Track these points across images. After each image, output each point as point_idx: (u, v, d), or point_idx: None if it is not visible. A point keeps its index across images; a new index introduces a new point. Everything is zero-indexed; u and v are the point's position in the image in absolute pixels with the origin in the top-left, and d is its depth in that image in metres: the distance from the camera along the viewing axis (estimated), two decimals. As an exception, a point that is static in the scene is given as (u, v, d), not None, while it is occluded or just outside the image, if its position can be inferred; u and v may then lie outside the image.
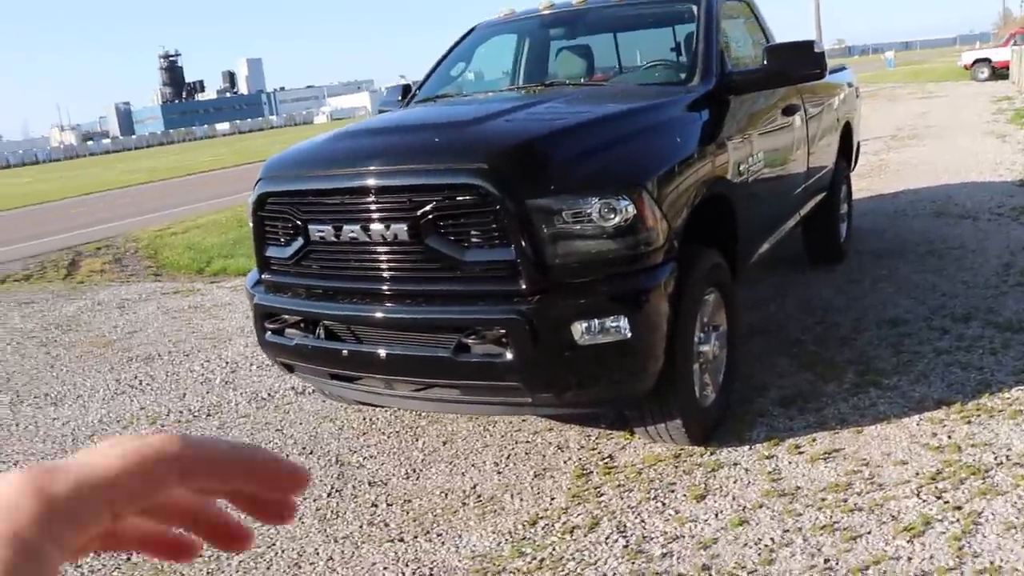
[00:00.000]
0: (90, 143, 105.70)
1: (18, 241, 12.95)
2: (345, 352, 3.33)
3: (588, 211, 2.97)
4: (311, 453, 4.05)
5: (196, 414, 4.77)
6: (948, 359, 4.35)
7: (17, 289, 8.92)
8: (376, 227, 3.13)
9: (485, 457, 3.79)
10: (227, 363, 5.64)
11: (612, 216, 2.98)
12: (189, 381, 5.38)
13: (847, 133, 6.52)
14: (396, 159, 3.16)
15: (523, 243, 2.94)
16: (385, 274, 3.21)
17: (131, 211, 16.11)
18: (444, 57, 5.05)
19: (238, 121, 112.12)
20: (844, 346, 4.71)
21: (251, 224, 3.64)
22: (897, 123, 16.77)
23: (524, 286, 2.98)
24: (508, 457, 3.76)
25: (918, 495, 3.08)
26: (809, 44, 4.06)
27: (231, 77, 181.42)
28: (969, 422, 3.63)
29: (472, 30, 5.20)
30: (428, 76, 4.96)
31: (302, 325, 3.52)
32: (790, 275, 6.33)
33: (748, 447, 3.61)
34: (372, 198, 3.14)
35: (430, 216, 3.03)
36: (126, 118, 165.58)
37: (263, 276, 3.69)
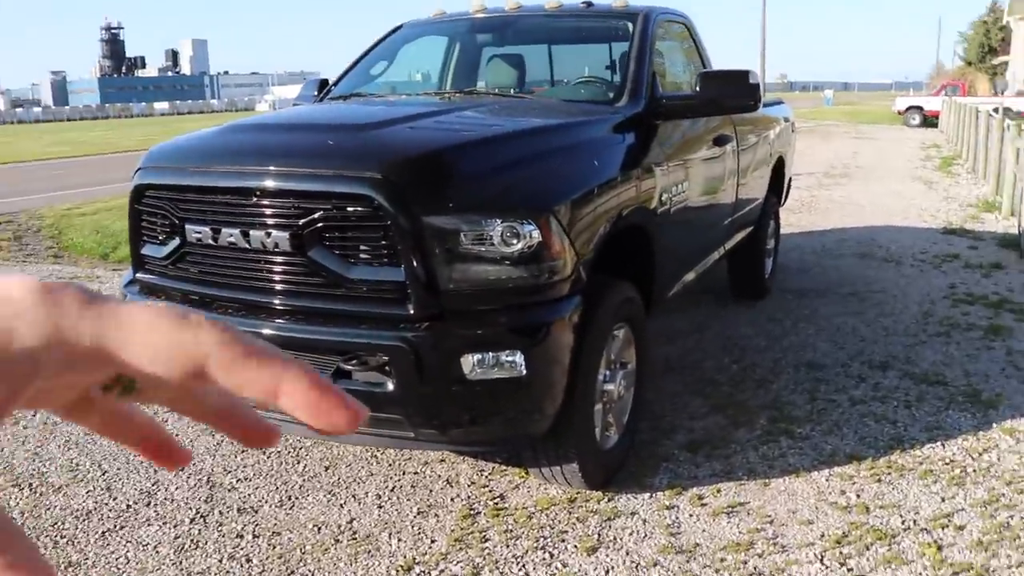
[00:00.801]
0: (19, 110, 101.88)
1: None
2: (216, 367, 3.00)
3: (489, 234, 2.71)
4: (182, 470, 3.70)
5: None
6: (863, 409, 4.22)
7: (-102, 262, 8.29)
8: (256, 233, 2.82)
9: (368, 487, 3.49)
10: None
11: (515, 241, 2.72)
12: (65, 378, 4.95)
13: (779, 168, 6.41)
14: (282, 160, 2.85)
15: (415, 264, 2.66)
16: (264, 285, 2.90)
17: (48, 185, 15.34)
18: (365, 54, 4.75)
19: (178, 102, 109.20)
20: (759, 388, 4.55)
21: (128, 217, 3.30)
22: (830, 161, 16.99)
23: (412, 311, 2.70)
24: (392, 489, 3.47)
25: (821, 560, 2.89)
26: (744, 74, 3.88)
27: (174, 56, 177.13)
28: (879, 480, 3.48)
29: (398, 28, 4.91)
30: (346, 72, 4.65)
31: (174, 333, 3.17)
32: (712, 308, 6.19)
33: (649, 495, 3.39)
34: (254, 201, 2.83)
35: (315, 226, 2.74)
36: (60, 88, 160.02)
37: (137, 275, 3.35)
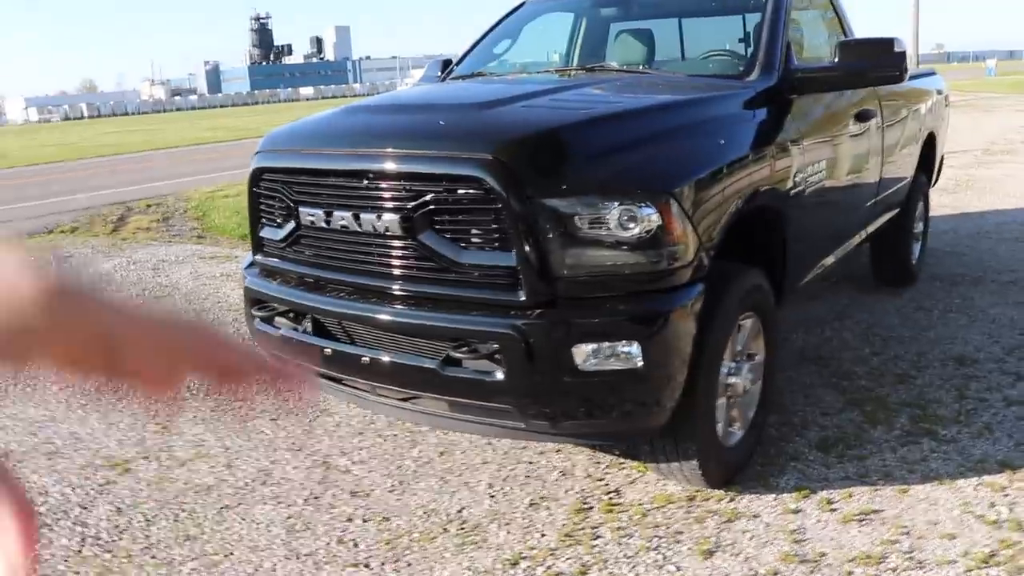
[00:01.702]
0: (177, 98, 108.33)
1: (83, 191, 13.06)
2: (328, 351, 3.00)
3: (605, 217, 2.57)
4: (299, 450, 3.75)
5: (194, 393, 4.51)
6: (1020, 411, 3.83)
7: (60, 241, 8.89)
8: (367, 216, 2.78)
9: (481, 476, 3.44)
10: (242, 339, 5.38)
11: (632, 225, 2.57)
12: (200, 354, 5.14)
13: (930, 145, 5.94)
14: (393, 141, 2.80)
15: (527, 248, 2.56)
16: (375, 269, 2.87)
17: (200, 168, 16.16)
18: (487, 32, 4.67)
19: (322, 87, 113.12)
20: (901, 384, 4.21)
21: (248, 200, 3.34)
22: (991, 136, 15.76)
23: (524, 298, 2.60)
24: (505, 479, 3.40)
25: (965, 581, 2.62)
26: (889, 41, 3.56)
27: (318, 43, 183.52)
28: (1037, 493, 3.14)
29: (521, 5, 4.80)
30: (468, 51, 4.59)
31: (290, 315, 3.21)
32: (854, 295, 5.81)
33: (774, 496, 3.18)
34: (364, 183, 2.79)
35: (425, 209, 2.67)
36: (214, 77, 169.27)
37: (256, 258, 3.40)
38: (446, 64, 4.75)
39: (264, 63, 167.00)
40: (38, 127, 64.88)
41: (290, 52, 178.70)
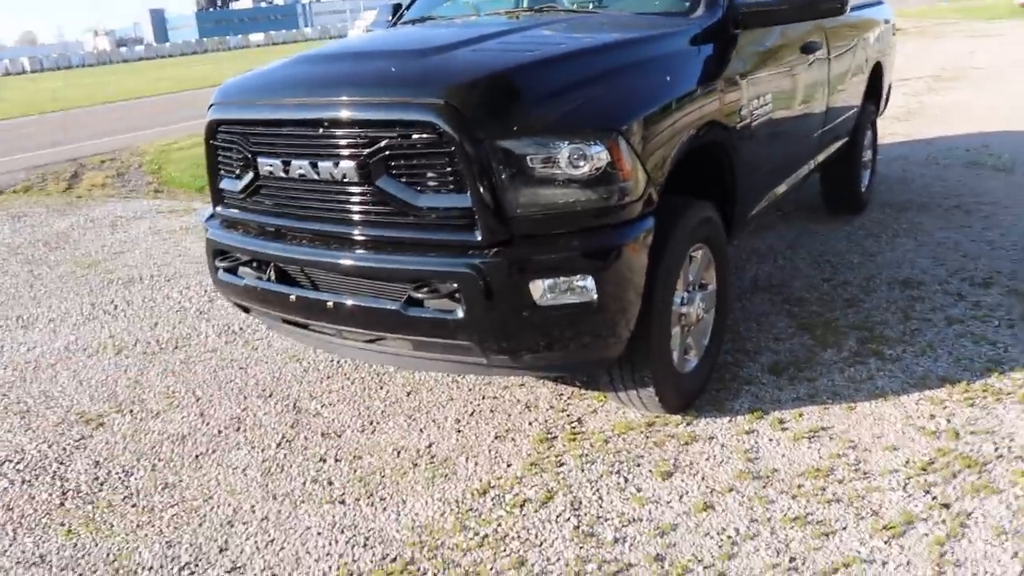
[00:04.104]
0: (123, 49, 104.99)
1: (30, 150, 12.77)
2: (293, 297, 3.07)
3: (555, 157, 2.64)
4: (270, 396, 3.84)
5: (163, 346, 4.57)
6: (960, 329, 4.02)
7: (13, 201, 8.75)
8: (324, 164, 2.83)
9: (448, 412, 3.55)
10: (206, 291, 5.43)
11: (582, 163, 2.65)
12: (164, 309, 5.18)
13: (877, 74, 6.04)
14: (347, 90, 2.83)
15: (481, 189, 2.63)
16: (335, 216, 2.93)
17: (150, 121, 15.82)
18: (436, -26, 4.65)
19: (272, 32, 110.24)
20: (850, 308, 4.39)
21: (205, 153, 3.36)
22: (942, 63, 15.95)
23: (480, 237, 2.68)
24: (472, 414, 3.52)
25: (904, 488, 2.80)
26: (830, -25, 3.63)
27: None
28: (972, 404, 3.33)
29: (471, -55, 4.78)
30: (417, -5, 4.57)
31: (253, 265, 3.26)
32: (806, 224, 5.97)
33: (728, 419, 3.34)
34: (320, 132, 2.83)
35: (380, 155, 2.73)
36: (160, 25, 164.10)
37: (217, 210, 3.43)
38: (396, 8, 4.73)
39: (212, 9, 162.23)
40: (-22, 84, 62.72)
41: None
